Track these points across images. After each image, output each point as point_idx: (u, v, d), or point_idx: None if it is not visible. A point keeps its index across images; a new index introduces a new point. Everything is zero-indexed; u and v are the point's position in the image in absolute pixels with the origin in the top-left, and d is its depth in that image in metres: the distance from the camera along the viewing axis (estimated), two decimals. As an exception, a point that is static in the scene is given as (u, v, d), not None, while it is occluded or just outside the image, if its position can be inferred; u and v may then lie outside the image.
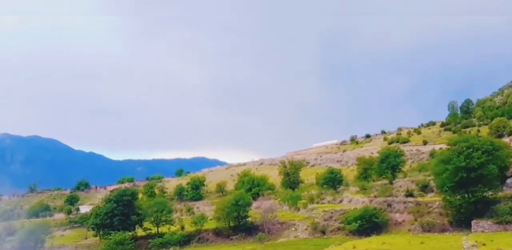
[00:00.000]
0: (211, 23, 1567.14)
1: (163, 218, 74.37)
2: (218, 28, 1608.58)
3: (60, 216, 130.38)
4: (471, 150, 53.32)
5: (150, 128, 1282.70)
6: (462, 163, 52.94)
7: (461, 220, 55.77)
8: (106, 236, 75.17)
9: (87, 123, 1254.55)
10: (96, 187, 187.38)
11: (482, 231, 51.99)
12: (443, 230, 56.43)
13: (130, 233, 72.66)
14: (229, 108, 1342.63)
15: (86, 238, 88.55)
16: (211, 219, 75.77)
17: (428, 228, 57.63)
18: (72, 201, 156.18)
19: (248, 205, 72.93)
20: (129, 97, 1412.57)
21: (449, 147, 60.01)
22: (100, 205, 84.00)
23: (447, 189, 56.28)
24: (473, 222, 53.71)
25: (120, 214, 75.60)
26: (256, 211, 75.83)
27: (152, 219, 75.04)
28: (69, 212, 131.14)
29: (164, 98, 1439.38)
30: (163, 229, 75.73)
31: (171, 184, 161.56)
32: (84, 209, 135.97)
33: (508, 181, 60.04)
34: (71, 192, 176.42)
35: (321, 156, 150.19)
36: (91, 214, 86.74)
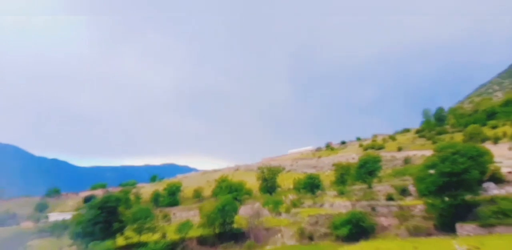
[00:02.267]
0: (182, 29, 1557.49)
1: (146, 226, 72.35)
2: (190, 34, 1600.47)
3: (26, 225, 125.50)
4: (457, 155, 54.28)
5: (116, 135, 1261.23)
6: (447, 168, 53.65)
7: (445, 224, 56.63)
8: (85, 246, 71.47)
9: (49, 129, 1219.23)
10: (67, 194, 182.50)
11: (468, 234, 52.54)
12: (429, 234, 57.18)
13: (111, 242, 69.63)
14: (200, 116, 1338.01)
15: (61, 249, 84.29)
16: (191, 225, 74.36)
17: (414, 232, 58.44)
18: (42, 208, 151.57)
19: (234, 210, 72.09)
20: (94, 102, 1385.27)
21: (434, 153, 61.07)
22: (82, 212, 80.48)
23: (427, 193, 57.07)
24: (457, 225, 54.42)
25: (103, 221, 72.60)
26: (240, 217, 74.95)
27: (135, 226, 72.66)
28: (37, 220, 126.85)
29: (131, 104, 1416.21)
30: (143, 237, 73.25)
31: (145, 190, 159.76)
32: (54, 216, 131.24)
33: (485, 185, 61.53)
34: (41, 199, 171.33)
35: (297, 162, 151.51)
36: (72, 221, 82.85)
